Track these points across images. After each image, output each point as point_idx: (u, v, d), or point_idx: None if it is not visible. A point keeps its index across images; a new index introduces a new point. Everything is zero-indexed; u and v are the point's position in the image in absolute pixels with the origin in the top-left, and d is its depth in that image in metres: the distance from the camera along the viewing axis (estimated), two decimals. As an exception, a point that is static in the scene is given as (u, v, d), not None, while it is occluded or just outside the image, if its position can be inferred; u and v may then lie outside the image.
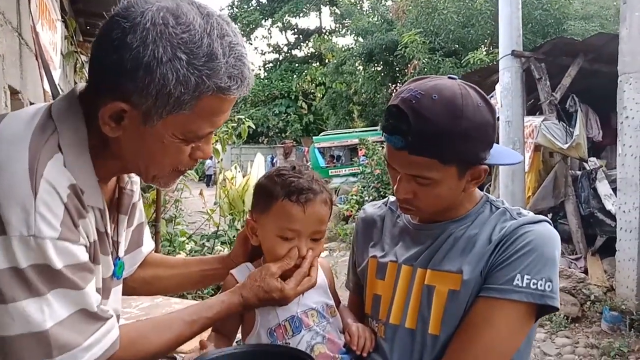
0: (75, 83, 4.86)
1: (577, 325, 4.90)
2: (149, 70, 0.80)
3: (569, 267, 5.53)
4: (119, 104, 0.83)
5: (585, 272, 5.49)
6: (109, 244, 0.98)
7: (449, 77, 1.05)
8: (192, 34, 0.81)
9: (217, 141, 4.15)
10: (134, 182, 1.11)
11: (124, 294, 1.30)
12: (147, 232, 1.30)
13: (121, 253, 1.08)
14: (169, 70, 0.80)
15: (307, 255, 1.13)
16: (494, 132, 1.05)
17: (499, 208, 1.13)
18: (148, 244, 1.30)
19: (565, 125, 6.14)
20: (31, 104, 2.74)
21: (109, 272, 1.00)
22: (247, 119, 4.32)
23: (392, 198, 1.30)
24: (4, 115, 0.87)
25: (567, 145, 5.95)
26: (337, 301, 1.26)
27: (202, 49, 0.81)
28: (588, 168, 6.35)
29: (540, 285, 1.00)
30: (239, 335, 1.23)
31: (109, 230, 0.98)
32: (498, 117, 6.15)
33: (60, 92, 2.94)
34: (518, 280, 1.00)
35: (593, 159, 6.71)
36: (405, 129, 0.98)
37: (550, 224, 1.09)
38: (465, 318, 1.04)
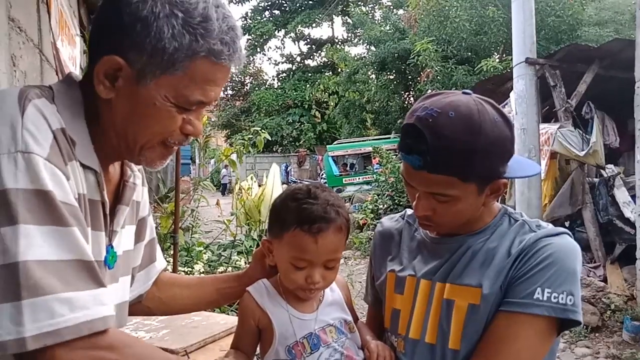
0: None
1: (597, 335, 4.82)
2: (146, 24, 0.83)
3: (588, 276, 5.45)
4: (114, 58, 0.85)
5: (605, 280, 5.41)
6: (103, 219, 0.94)
7: (464, 92, 1.05)
8: None
9: (233, 152, 4.19)
10: (136, 176, 1.10)
11: (139, 314, 1.29)
12: (158, 248, 1.30)
13: (117, 245, 1.01)
14: (165, 24, 0.83)
15: (318, 288, 1.11)
16: (512, 146, 1.05)
17: (517, 220, 1.12)
18: (160, 260, 1.30)
19: (581, 132, 6.08)
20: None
21: (101, 253, 0.93)
22: (262, 131, 4.35)
23: (409, 211, 1.30)
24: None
25: (583, 153, 5.89)
26: (355, 317, 1.26)
27: (197, 10, 0.85)
28: (605, 175, 6.27)
29: (562, 298, 0.99)
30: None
31: (105, 199, 0.94)
32: (513, 125, 6.11)
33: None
34: (539, 294, 0.99)
35: (610, 165, 6.63)
36: (424, 149, 0.98)
37: (570, 236, 1.08)
38: (486, 333, 1.03)
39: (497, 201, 1.19)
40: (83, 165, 0.87)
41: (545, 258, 1.01)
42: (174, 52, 0.84)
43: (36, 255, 0.71)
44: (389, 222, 1.35)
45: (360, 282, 5.58)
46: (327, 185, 17.60)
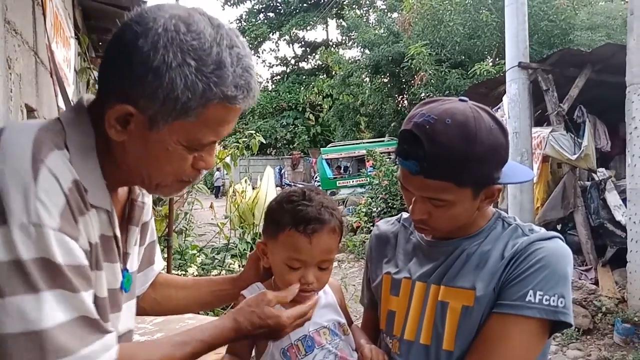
0: (88, 99, 4.95)
1: (588, 337, 4.86)
2: (158, 75, 0.81)
3: (580, 279, 5.50)
4: (126, 107, 0.84)
5: (596, 283, 5.45)
6: (117, 252, 0.96)
7: (460, 100, 1.07)
8: (202, 41, 0.83)
9: (227, 155, 4.19)
10: (145, 194, 1.10)
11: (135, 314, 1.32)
12: (158, 250, 1.31)
13: (129, 266, 1.05)
14: (178, 75, 0.81)
15: (312, 289, 1.13)
16: (507, 153, 1.07)
17: (510, 224, 1.15)
18: (159, 262, 1.30)
19: (573, 136, 6.14)
20: (46, 120, 2.80)
21: (117, 282, 0.97)
22: (257, 134, 4.36)
23: (405, 215, 1.32)
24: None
25: (575, 156, 5.94)
26: (349, 320, 1.28)
27: (211, 57, 0.83)
28: (597, 179, 6.33)
29: (553, 301, 1.01)
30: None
31: (117, 234, 0.95)
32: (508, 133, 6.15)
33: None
34: (531, 296, 1.01)
35: (602, 169, 6.68)
36: (421, 155, 1.00)
37: (562, 240, 1.10)
38: (479, 334, 1.05)
39: (492, 205, 1.21)
40: (95, 207, 0.88)
41: (537, 261, 1.03)
42: (186, 101, 0.83)
43: (55, 320, 0.75)
44: (385, 225, 1.37)
45: (354, 285, 5.59)
46: (321, 188, 17.60)
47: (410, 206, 1.11)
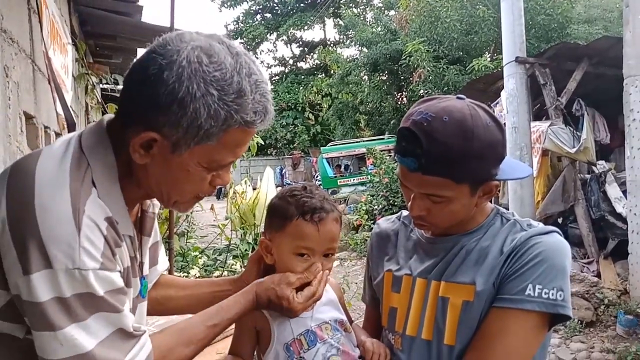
0: (87, 104, 4.95)
1: (591, 329, 4.87)
2: (183, 105, 0.86)
3: (582, 271, 5.50)
4: (150, 134, 0.89)
5: (598, 275, 5.46)
6: (137, 267, 1.04)
7: (458, 97, 1.09)
8: (223, 72, 0.87)
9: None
10: (155, 205, 1.15)
11: None
12: (162, 251, 1.34)
13: (146, 272, 1.13)
14: (202, 105, 0.86)
15: (321, 273, 1.18)
16: (504, 149, 1.09)
17: (509, 220, 1.16)
18: (163, 262, 1.33)
19: (572, 129, 6.14)
20: (45, 127, 2.81)
21: (137, 292, 1.05)
22: (256, 135, 4.38)
23: (404, 212, 1.33)
24: (38, 155, 0.92)
25: (574, 150, 5.95)
26: (349, 319, 1.29)
27: (232, 87, 0.88)
28: (597, 171, 6.33)
29: (552, 294, 1.02)
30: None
31: (137, 255, 1.03)
32: (504, 124, 6.16)
33: (73, 115, 3.01)
34: (530, 290, 1.03)
35: (602, 162, 6.69)
36: (419, 152, 1.02)
37: (560, 234, 1.12)
38: (480, 328, 1.07)
39: (491, 201, 1.23)
40: (124, 236, 0.95)
41: (535, 256, 1.05)
42: (209, 128, 0.88)
43: (98, 339, 0.85)
44: (385, 223, 1.39)
45: (357, 283, 5.60)
46: (322, 187, 17.56)
47: (409, 203, 1.13)
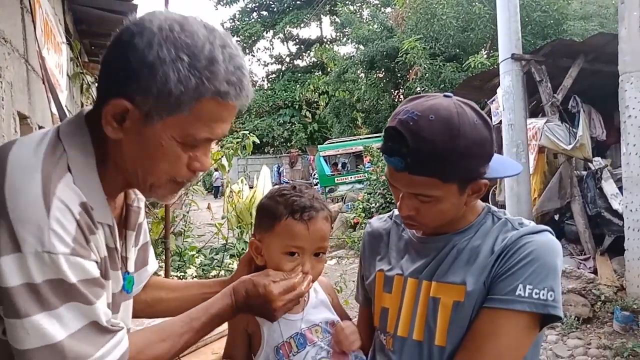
0: (82, 103, 4.93)
1: (588, 326, 4.88)
2: (152, 70, 0.85)
3: (578, 268, 5.52)
4: (121, 101, 0.87)
5: (595, 272, 5.47)
6: (118, 259, 1.01)
7: (445, 95, 1.07)
8: (195, 39, 0.87)
9: (222, 156, 4.20)
10: (140, 199, 1.13)
11: None
12: (152, 252, 1.33)
13: (130, 268, 1.10)
14: (172, 70, 0.85)
15: (301, 274, 1.16)
16: (492, 147, 1.08)
17: (500, 219, 1.15)
18: (153, 263, 1.32)
19: (568, 126, 6.15)
20: (40, 127, 2.80)
21: (119, 286, 1.03)
22: (251, 134, 4.36)
23: (397, 211, 1.32)
24: (12, 143, 0.90)
25: (571, 146, 5.96)
26: (346, 317, 1.29)
27: (203, 54, 0.86)
28: (593, 168, 6.35)
29: (543, 295, 1.01)
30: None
31: (118, 246, 1.00)
32: (500, 122, 6.17)
33: (68, 114, 2.99)
34: (520, 290, 1.02)
35: (598, 158, 6.70)
36: (405, 151, 1.01)
37: (551, 233, 1.11)
38: (471, 329, 1.06)
39: (487, 199, 1.22)
40: (101, 224, 0.92)
41: (526, 255, 1.04)
42: (180, 95, 0.86)
43: (70, 330, 0.82)
44: (377, 222, 1.38)
45: (354, 281, 5.56)
46: (319, 185, 17.56)
47: (398, 203, 1.12)
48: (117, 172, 0.96)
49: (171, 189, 0.98)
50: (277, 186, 1.33)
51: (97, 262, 0.89)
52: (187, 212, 5.09)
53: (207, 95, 0.87)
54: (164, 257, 3.42)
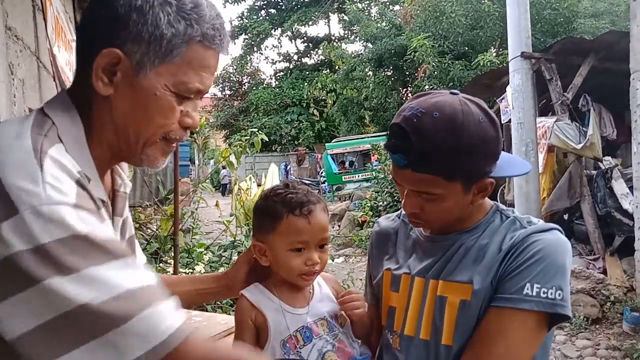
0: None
1: (597, 326, 4.85)
2: (142, 13, 0.84)
3: (587, 268, 5.48)
4: (113, 50, 0.84)
5: (604, 272, 5.43)
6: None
7: (451, 93, 1.06)
8: None
9: (231, 154, 4.21)
10: (126, 184, 1.08)
11: None
12: (138, 246, 1.28)
13: None
14: (161, 12, 0.84)
15: (316, 270, 1.18)
16: (499, 146, 1.06)
17: (509, 217, 1.14)
18: (140, 257, 1.28)
19: (578, 125, 6.11)
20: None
21: None
22: (259, 132, 4.38)
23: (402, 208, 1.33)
24: None
25: (580, 145, 5.91)
26: None
27: None
28: (603, 167, 6.30)
29: (551, 294, 1.00)
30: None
31: (113, 228, 0.95)
32: (509, 120, 6.14)
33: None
34: (528, 289, 1.01)
35: (608, 157, 6.65)
36: (408, 148, 1.00)
37: (560, 231, 1.09)
38: (478, 328, 1.05)
39: (496, 198, 1.21)
40: (98, 200, 0.85)
41: (534, 254, 1.03)
42: (171, 38, 0.85)
43: (110, 293, 0.72)
44: (385, 221, 1.38)
45: (361, 280, 5.60)
46: (326, 183, 17.55)
47: (403, 200, 1.12)
48: (103, 147, 0.91)
49: (162, 149, 0.95)
50: (267, 187, 1.33)
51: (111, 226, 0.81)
52: (196, 209, 5.11)
53: (196, 39, 0.87)
54: (172, 254, 3.44)
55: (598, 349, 4.44)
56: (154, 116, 0.89)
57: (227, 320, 2.07)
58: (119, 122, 0.89)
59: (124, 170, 1.09)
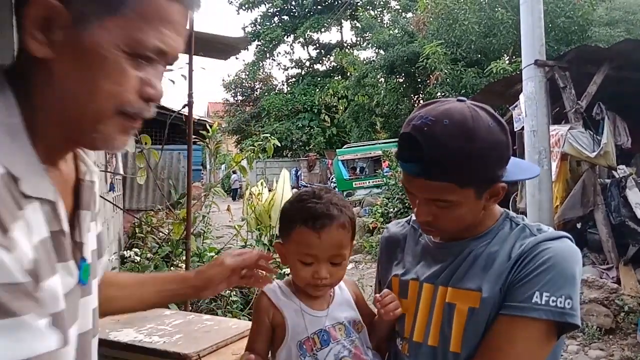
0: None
1: (611, 337, 4.79)
2: None
3: (601, 277, 5.42)
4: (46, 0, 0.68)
5: (618, 282, 5.37)
6: (67, 245, 0.78)
7: (458, 100, 1.07)
8: None
9: (243, 159, 4.25)
10: (92, 172, 0.92)
11: None
12: (105, 243, 1.16)
13: (86, 254, 0.85)
14: None
15: (325, 284, 1.17)
16: (508, 150, 1.07)
17: (518, 224, 1.14)
18: (107, 254, 1.22)
19: (592, 133, 6.05)
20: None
21: (73, 279, 0.79)
22: (272, 137, 4.41)
23: (414, 217, 1.33)
24: None
25: (594, 154, 5.86)
26: (372, 314, 1.29)
27: None
28: (617, 176, 6.23)
29: (560, 302, 1.00)
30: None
31: (65, 228, 0.77)
32: (522, 128, 6.10)
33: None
34: (537, 297, 1.00)
35: (622, 166, 6.57)
36: (420, 156, 1.01)
37: (571, 240, 1.09)
38: (486, 336, 1.05)
39: (508, 206, 1.21)
40: (35, 198, 0.70)
41: (544, 262, 1.03)
42: None
43: None
44: (394, 227, 1.38)
45: (371, 286, 5.56)
46: (337, 189, 17.61)
47: (415, 209, 1.12)
48: (52, 129, 0.75)
49: (120, 125, 0.76)
50: (301, 189, 1.34)
51: (27, 261, 0.65)
52: (208, 213, 5.14)
53: None
54: (184, 258, 3.46)
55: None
56: (101, 82, 0.72)
57: (237, 325, 2.08)
58: (63, 94, 0.73)
59: (89, 156, 0.93)
